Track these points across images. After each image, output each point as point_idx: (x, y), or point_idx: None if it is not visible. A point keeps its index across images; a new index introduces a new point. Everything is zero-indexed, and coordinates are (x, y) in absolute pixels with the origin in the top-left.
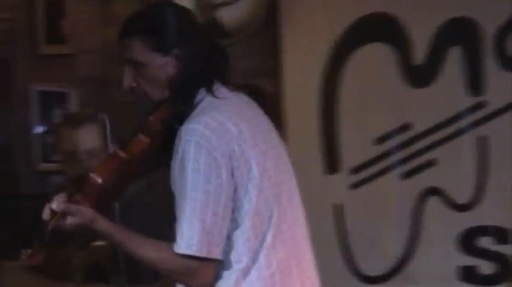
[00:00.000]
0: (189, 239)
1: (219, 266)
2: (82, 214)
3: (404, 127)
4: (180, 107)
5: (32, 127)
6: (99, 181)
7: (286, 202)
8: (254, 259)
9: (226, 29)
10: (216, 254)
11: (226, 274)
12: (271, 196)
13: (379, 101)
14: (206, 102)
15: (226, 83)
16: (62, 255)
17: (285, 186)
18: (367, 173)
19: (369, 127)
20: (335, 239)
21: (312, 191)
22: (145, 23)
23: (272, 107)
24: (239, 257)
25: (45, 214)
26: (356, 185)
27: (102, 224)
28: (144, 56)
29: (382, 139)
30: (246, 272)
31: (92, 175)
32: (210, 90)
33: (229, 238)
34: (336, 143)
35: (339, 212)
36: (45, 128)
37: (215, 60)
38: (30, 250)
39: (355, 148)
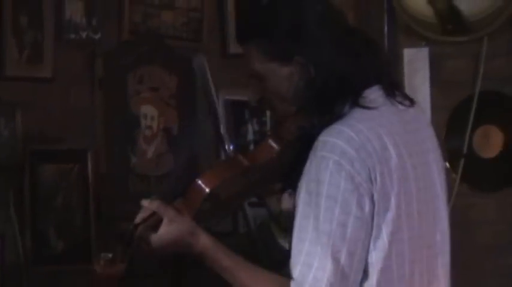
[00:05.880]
0: (316, 280)
1: None
2: (182, 221)
3: None
4: (315, 121)
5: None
6: (206, 190)
7: (427, 264)
8: None
9: (465, 22)
10: None
11: None
12: (408, 250)
13: None
14: (353, 112)
15: (390, 88)
16: None
17: (431, 240)
18: None
19: None
20: None
21: None
22: (260, 25)
23: None
24: None
25: (139, 217)
26: None
27: (204, 241)
28: (260, 65)
29: None
30: None
31: (199, 180)
32: (356, 102)
33: None
34: None
35: None
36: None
37: (363, 61)
38: (110, 255)
39: None
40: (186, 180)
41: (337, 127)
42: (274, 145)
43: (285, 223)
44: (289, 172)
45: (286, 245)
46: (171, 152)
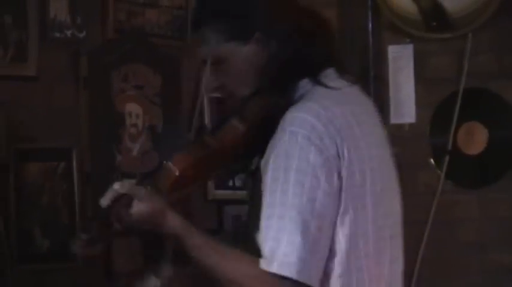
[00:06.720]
0: (285, 256)
1: None
2: (152, 201)
3: None
4: (278, 99)
5: None
6: (176, 172)
7: (390, 243)
8: None
9: (449, 19)
10: (315, 281)
11: None
12: (372, 228)
13: None
14: (316, 91)
15: (340, 69)
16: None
17: (391, 219)
18: None
19: None
20: None
21: None
22: (213, 6)
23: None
24: None
25: (106, 198)
26: None
27: (174, 220)
28: (219, 48)
29: None
30: None
31: (168, 163)
32: (316, 80)
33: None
34: None
35: None
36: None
37: (318, 41)
38: (87, 235)
39: None
40: None
41: (305, 103)
42: (239, 125)
43: None
44: (254, 150)
45: None
46: (155, 150)
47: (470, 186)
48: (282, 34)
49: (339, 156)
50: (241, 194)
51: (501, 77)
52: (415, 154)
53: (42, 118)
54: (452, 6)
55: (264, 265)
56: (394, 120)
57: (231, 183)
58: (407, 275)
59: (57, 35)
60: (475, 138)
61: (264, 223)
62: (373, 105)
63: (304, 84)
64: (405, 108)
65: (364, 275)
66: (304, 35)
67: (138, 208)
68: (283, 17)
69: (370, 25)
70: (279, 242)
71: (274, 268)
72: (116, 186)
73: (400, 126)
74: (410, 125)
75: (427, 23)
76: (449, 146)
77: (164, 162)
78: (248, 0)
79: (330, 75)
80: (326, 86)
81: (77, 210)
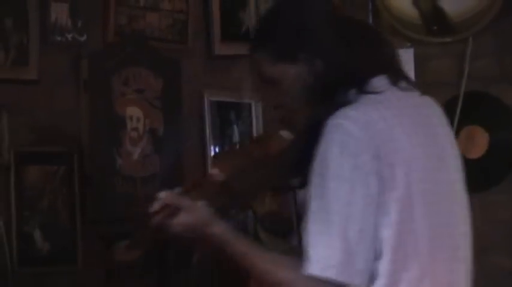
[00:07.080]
0: (326, 259)
1: None
2: (197, 212)
3: None
4: (325, 111)
5: (206, 145)
6: (221, 177)
7: (449, 242)
8: None
9: (450, 22)
10: (360, 281)
11: None
12: (422, 228)
13: None
14: (361, 99)
15: (394, 74)
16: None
17: (449, 219)
18: None
19: None
20: None
21: None
22: (261, 30)
23: None
24: None
25: (154, 207)
26: None
27: (219, 229)
28: (270, 69)
29: None
30: None
31: (212, 169)
32: (361, 90)
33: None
34: None
35: None
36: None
37: (366, 51)
38: (127, 242)
39: None
40: (171, 181)
41: (343, 110)
42: (285, 136)
43: (270, 224)
44: (301, 163)
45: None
46: (156, 153)
47: (471, 190)
48: (326, 53)
49: (376, 159)
50: None
51: (502, 81)
52: None
53: (43, 121)
54: (452, 10)
55: (306, 268)
56: None
57: None
58: None
59: (58, 38)
60: (475, 142)
61: (307, 228)
62: (438, 110)
63: (352, 94)
64: None
65: (414, 273)
66: (350, 49)
67: (183, 219)
68: (326, 36)
69: None
70: (320, 247)
71: (317, 271)
72: (162, 195)
73: None
74: None
75: (428, 26)
76: None
77: (210, 169)
78: (295, 22)
79: (378, 82)
80: (368, 93)
81: (77, 213)
